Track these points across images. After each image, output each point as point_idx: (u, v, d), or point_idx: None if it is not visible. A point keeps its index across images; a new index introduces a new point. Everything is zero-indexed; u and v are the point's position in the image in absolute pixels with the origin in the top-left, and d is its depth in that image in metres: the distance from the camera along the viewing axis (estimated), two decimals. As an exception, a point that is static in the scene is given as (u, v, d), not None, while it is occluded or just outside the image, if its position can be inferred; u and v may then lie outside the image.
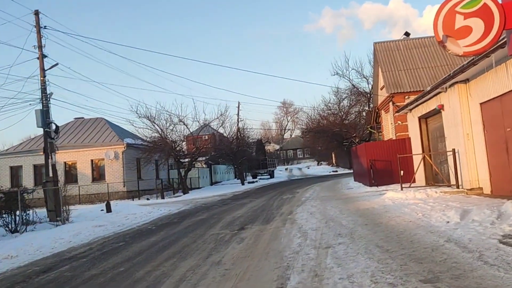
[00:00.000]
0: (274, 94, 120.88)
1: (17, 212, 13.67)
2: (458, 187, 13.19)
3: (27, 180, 27.46)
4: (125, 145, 27.70)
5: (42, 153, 29.65)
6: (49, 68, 16.88)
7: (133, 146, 28.58)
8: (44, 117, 16.42)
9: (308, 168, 63.00)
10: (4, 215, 13.69)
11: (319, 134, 45.53)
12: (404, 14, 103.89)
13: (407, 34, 25.81)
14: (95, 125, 30.71)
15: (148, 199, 26.41)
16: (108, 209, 17.68)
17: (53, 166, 16.50)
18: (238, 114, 43.22)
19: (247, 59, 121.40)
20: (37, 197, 19.01)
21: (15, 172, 28.29)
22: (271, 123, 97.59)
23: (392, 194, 13.94)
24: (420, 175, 16.70)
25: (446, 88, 13.48)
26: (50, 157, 16.58)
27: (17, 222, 13.46)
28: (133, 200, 26.22)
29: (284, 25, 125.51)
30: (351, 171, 37.59)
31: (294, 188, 24.55)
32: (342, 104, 42.03)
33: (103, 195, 27.02)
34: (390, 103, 22.47)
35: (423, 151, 17.03)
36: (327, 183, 26.91)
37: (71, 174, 28.30)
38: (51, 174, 16.47)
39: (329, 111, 43.58)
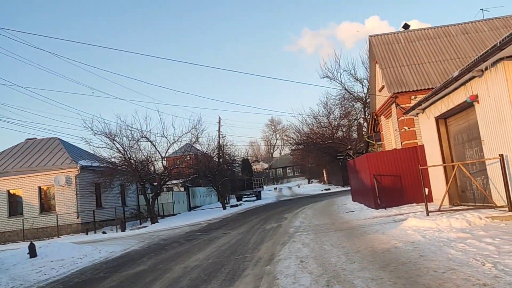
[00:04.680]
0: (261, 109, 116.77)
1: None
2: (511, 209, 9.17)
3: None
4: (78, 168, 23.03)
5: None
6: None
7: (89, 169, 23.93)
8: None
9: (299, 186, 58.76)
10: None
11: (309, 148, 41.32)
12: (383, 32, 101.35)
13: (406, 26, 22.08)
14: (47, 146, 26.02)
15: (104, 232, 21.77)
16: (33, 253, 13.17)
17: None
18: (219, 130, 39.04)
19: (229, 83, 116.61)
20: None
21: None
22: (260, 141, 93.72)
23: (415, 222, 9.88)
24: (441, 194, 12.50)
25: (484, 69, 9.62)
26: None
27: None
28: (87, 234, 21.61)
29: (265, 46, 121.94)
30: (346, 188, 33.51)
31: (281, 212, 20.29)
32: (332, 116, 37.86)
33: (53, 229, 22.36)
34: (393, 105, 18.56)
35: (443, 161, 13.08)
36: (321, 204, 22.70)
37: (15, 204, 23.62)
38: None
39: (318, 124, 39.48)
